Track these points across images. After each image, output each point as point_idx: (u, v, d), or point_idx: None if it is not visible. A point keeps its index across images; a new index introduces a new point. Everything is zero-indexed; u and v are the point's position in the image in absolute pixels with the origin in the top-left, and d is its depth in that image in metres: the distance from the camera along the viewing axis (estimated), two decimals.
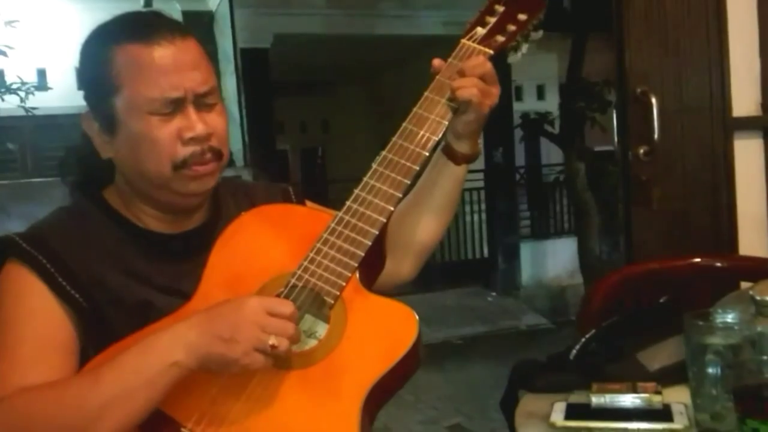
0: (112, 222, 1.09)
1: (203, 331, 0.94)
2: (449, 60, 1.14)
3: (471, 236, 8.03)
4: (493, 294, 7.43)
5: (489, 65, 1.11)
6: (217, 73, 1.11)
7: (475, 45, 1.14)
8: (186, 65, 1.03)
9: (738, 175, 2.05)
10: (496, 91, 1.13)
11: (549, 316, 6.70)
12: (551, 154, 8.61)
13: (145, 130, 1.02)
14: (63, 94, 6.16)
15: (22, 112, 5.84)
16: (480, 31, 1.16)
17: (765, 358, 0.99)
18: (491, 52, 1.14)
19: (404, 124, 1.11)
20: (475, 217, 7.85)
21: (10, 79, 5.77)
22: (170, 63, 1.02)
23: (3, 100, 5.71)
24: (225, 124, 1.09)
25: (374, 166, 1.08)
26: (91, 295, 1.03)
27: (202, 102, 1.05)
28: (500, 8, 1.17)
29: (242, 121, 6.23)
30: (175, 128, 1.03)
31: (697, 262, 1.83)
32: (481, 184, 7.56)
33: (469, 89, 1.09)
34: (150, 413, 0.94)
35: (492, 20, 1.16)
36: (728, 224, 2.04)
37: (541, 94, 9.84)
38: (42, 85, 6.23)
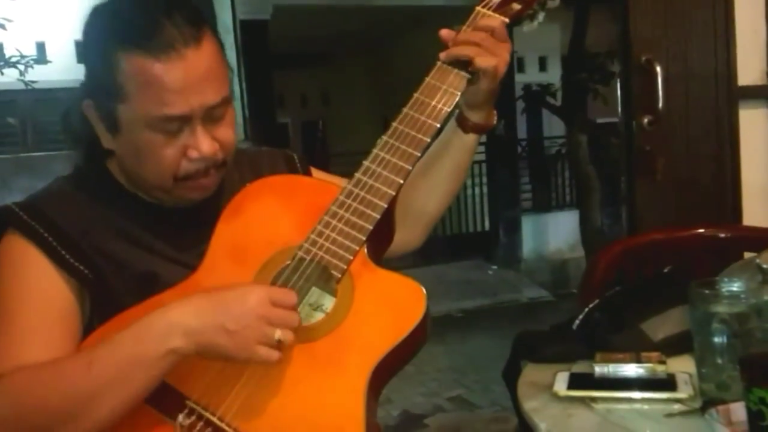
0: (115, 192, 1.08)
1: (205, 320, 0.92)
2: (463, 27, 1.11)
3: (472, 209, 8.01)
4: (494, 267, 7.43)
5: (499, 21, 1.08)
6: None
7: (490, 12, 1.11)
8: (196, 80, 0.96)
9: (743, 145, 2.04)
10: (507, 46, 1.09)
11: (550, 289, 6.70)
12: (553, 126, 8.56)
13: (148, 144, 0.99)
14: (62, 68, 6.12)
15: (21, 86, 5.80)
16: None
17: None
18: (507, 20, 1.10)
19: (415, 95, 1.07)
20: (477, 190, 7.82)
21: (9, 52, 5.71)
22: (180, 80, 0.95)
23: (2, 73, 5.67)
24: (233, 134, 1.05)
25: (384, 138, 1.05)
26: (95, 265, 1.01)
27: (212, 115, 1.00)
28: None
29: (242, 95, 6.18)
30: (181, 146, 0.99)
31: (701, 233, 1.82)
32: (482, 156, 7.52)
33: (486, 58, 1.06)
34: (148, 395, 0.93)
35: None
36: (732, 194, 2.04)
37: (543, 65, 9.76)
38: (41, 58, 6.16)
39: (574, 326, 1.30)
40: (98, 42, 1.00)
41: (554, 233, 7.64)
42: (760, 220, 1.99)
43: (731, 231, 1.86)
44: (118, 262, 1.02)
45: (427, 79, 1.08)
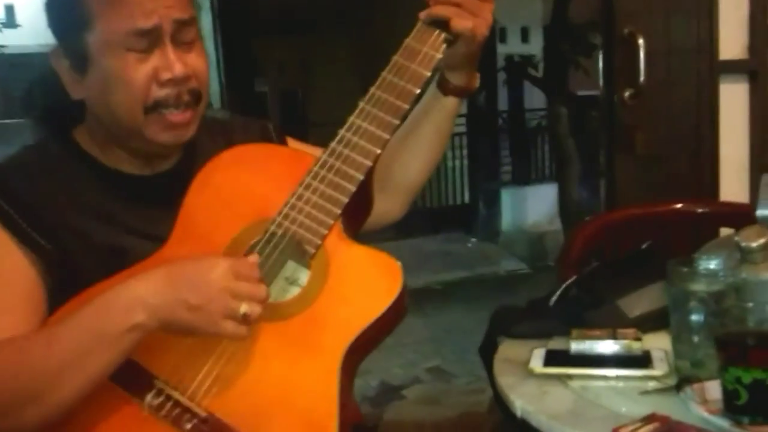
0: (81, 163, 1.04)
1: (167, 296, 0.89)
2: None
3: (452, 182, 8.02)
4: (474, 240, 7.46)
5: None
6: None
7: None
8: None
9: (722, 119, 2.03)
10: (489, 6, 1.04)
11: (528, 261, 6.74)
12: (534, 98, 8.55)
13: (118, 68, 0.96)
14: (33, 32, 5.97)
15: None
16: None
17: (749, 305, 0.97)
18: None
19: (395, 58, 1.03)
20: (457, 162, 7.82)
21: None
22: None
23: None
24: (206, 66, 1.03)
25: (361, 104, 1.01)
26: (58, 239, 0.97)
27: (181, 39, 0.98)
28: None
29: (219, 62, 6.08)
30: (152, 68, 0.97)
31: (678, 208, 1.82)
32: (463, 129, 7.50)
33: (464, 20, 1.01)
34: (113, 371, 0.90)
35: None
36: (710, 170, 2.03)
37: (525, 36, 9.72)
38: (10, 22, 6.02)
39: (551, 302, 1.29)
40: None
41: (533, 206, 7.66)
42: (737, 196, 1.99)
43: (708, 206, 1.87)
44: (83, 236, 0.99)
45: (407, 40, 1.03)
